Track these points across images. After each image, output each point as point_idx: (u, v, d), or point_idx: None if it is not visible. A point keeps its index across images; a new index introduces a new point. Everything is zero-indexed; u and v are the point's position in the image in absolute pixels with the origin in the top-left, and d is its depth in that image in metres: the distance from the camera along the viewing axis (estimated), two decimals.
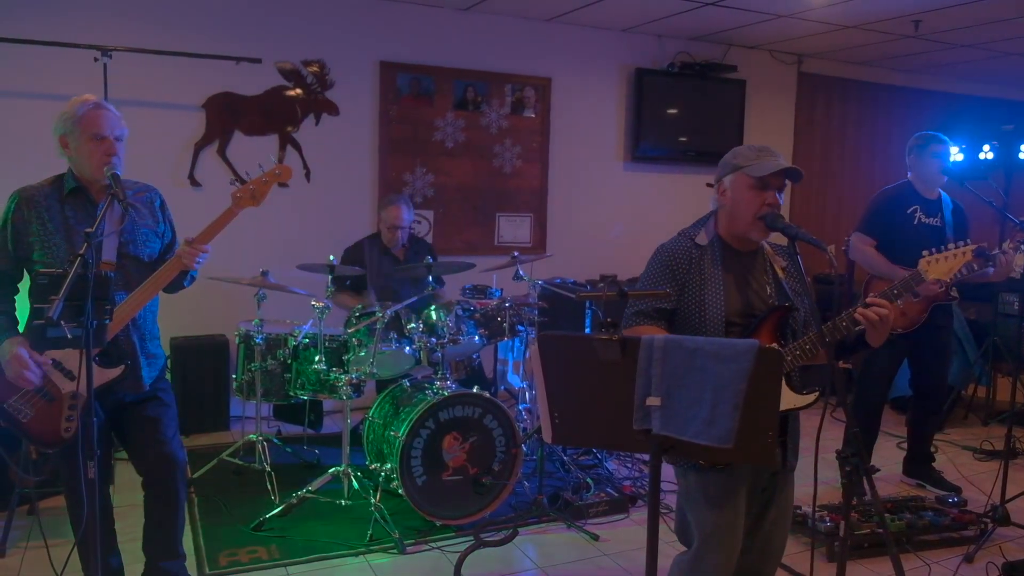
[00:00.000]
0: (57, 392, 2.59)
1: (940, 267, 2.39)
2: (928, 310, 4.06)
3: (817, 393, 2.23)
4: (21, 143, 4.67)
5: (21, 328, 2.62)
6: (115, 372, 2.61)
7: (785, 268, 2.40)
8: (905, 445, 4.61)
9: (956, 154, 5.95)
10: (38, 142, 4.63)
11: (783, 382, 2.14)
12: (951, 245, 2.38)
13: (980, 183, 4.08)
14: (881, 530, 3.50)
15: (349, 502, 3.82)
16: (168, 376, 2.97)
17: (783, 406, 2.08)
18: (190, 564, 3.29)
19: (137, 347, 2.71)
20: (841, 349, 2.35)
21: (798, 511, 3.75)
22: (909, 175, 4.20)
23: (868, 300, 2.21)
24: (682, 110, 6.70)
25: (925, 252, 2.42)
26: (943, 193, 4.18)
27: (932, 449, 4.49)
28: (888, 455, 4.83)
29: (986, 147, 6.89)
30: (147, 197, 2.81)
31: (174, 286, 2.79)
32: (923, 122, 7.53)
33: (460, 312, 4.17)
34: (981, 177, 4.26)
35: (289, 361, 4.15)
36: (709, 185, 2.43)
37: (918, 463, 4.44)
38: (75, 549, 2.62)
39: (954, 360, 5.73)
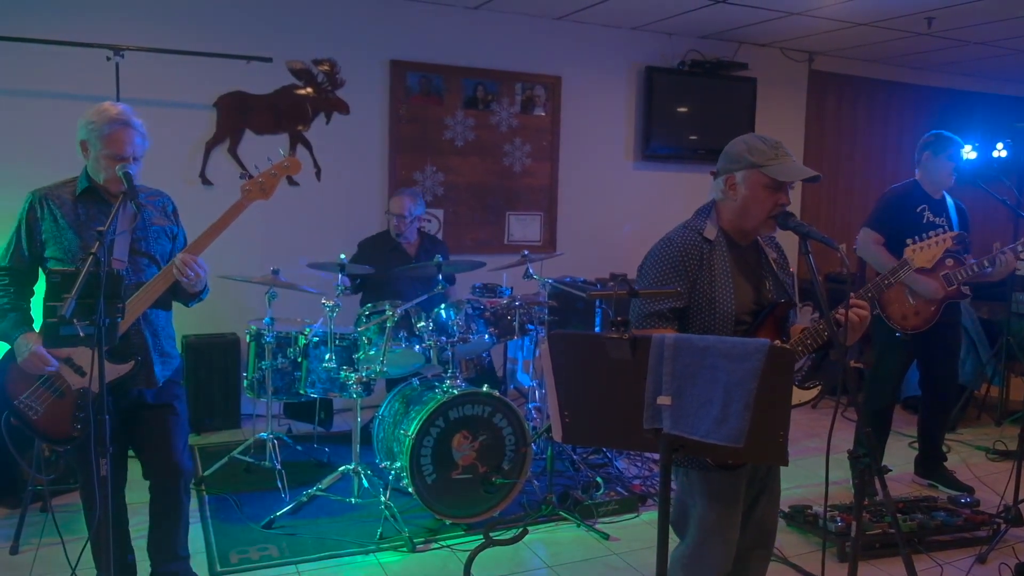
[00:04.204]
0: (67, 388, 2.62)
1: (924, 255, 2.42)
2: (941, 308, 4.04)
3: (819, 388, 2.22)
4: (34, 142, 4.70)
5: (36, 326, 2.64)
6: (125, 368, 2.63)
7: (775, 259, 2.40)
8: (917, 445, 4.59)
9: (969, 152, 5.91)
10: (51, 141, 4.69)
11: None
12: (932, 233, 2.41)
13: (994, 181, 4.06)
14: (893, 530, 3.48)
15: (359, 500, 3.83)
16: (183, 382, 2.99)
17: None
18: (201, 561, 3.33)
19: (149, 343, 2.73)
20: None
21: (809, 511, 3.75)
22: (917, 174, 4.18)
23: (851, 301, 2.19)
24: (692, 108, 6.68)
25: (909, 241, 2.44)
26: (946, 194, 4.17)
27: (944, 449, 4.47)
28: (900, 455, 4.80)
29: (1000, 145, 6.84)
30: (160, 202, 2.84)
31: (184, 297, 2.79)
32: (936, 120, 7.48)
33: (470, 311, 4.17)
34: (995, 175, 4.23)
35: (300, 359, 4.17)
36: (712, 174, 2.38)
37: (930, 463, 4.42)
38: (88, 546, 2.64)
39: (967, 360, 5.70)
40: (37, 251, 2.67)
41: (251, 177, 2.77)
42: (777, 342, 2.21)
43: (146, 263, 2.72)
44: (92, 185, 2.69)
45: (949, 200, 4.16)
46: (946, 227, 4.05)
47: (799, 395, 2.20)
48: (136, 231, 2.70)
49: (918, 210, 4.07)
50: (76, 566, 2.60)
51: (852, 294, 2.24)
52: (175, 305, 2.89)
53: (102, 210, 2.67)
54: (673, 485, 2.27)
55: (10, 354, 2.64)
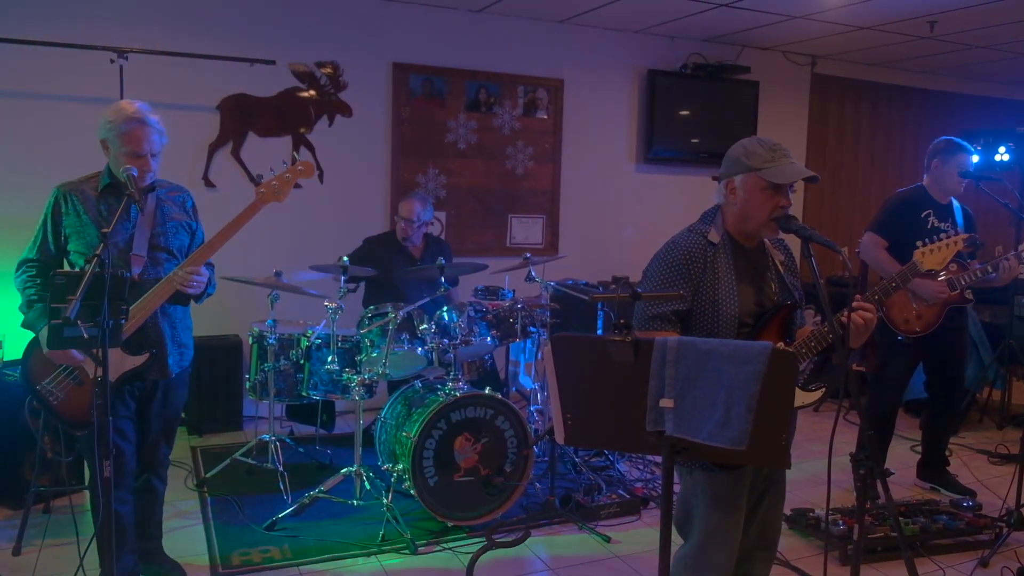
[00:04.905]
0: (86, 376, 2.72)
1: (934, 257, 2.40)
2: (944, 313, 4.04)
3: (823, 390, 2.22)
4: (38, 143, 4.72)
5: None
6: (140, 360, 2.73)
7: (783, 262, 2.40)
8: (919, 448, 4.58)
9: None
10: (55, 142, 4.71)
11: None
12: (943, 235, 2.39)
13: (996, 185, 4.05)
14: (895, 534, 3.48)
15: (361, 502, 3.83)
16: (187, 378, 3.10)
17: None
18: (203, 563, 3.36)
19: (167, 335, 2.83)
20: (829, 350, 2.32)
21: (811, 514, 3.74)
22: (925, 179, 4.16)
23: (854, 304, 2.19)
24: (695, 111, 6.69)
25: (919, 243, 2.43)
26: (954, 199, 4.16)
27: (947, 452, 4.46)
28: (902, 458, 4.80)
29: (1002, 149, 6.85)
30: (180, 197, 2.94)
31: (195, 295, 2.87)
32: (938, 124, 7.49)
33: (472, 313, 4.17)
34: (997, 179, 4.22)
35: (302, 361, 4.17)
36: (714, 179, 2.40)
37: (932, 466, 4.41)
38: (99, 544, 2.66)
39: (969, 363, 5.68)
40: (61, 244, 2.77)
41: (256, 183, 2.84)
42: (780, 344, 2.23)
43: (165, 257, 2.81)
44: (114, 181, 2.76)
45: (956, 205, 4.14)
46: (952, 232, 4.03)
47: (803, 397, 2.20)
48: (155, 226, 2.79)
49: (923, 215, 4.05)
50: (83, 556, 2.60)
51: (858, 296, 2.24)
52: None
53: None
54: (677, 484, 2.27)
55: (34, 342, 2.75)
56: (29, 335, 2.80)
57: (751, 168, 2.24)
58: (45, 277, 2.76)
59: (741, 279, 2.29)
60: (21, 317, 2.74)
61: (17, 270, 2.80)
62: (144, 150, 2.69)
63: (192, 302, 2.92)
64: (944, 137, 4.15)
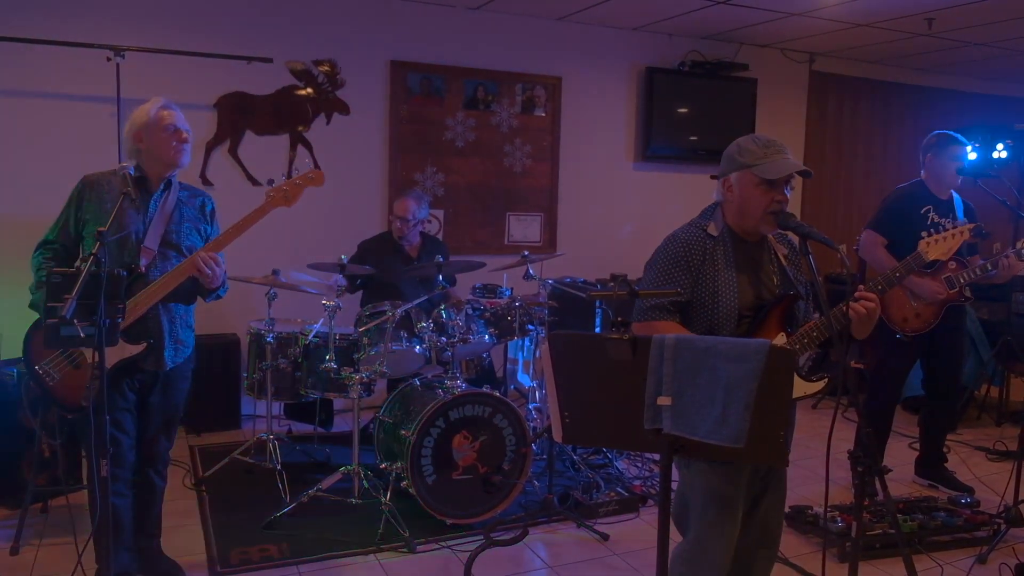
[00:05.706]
0: (83, 360, 2.76)
1: (939, 247, 2.39)
2: (943, 312, 4.04)
3: (826, 380, 2.23)
4: (35, 142, 4.70)
5: None
6: (137, 349, 2.77)
7: (787, 255, 2.42)
8: (917, 445, 4.59)
9: (969, 153, 5.92)
10: (51, 141, 4.70)
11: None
12: (948, 225, 2.39)
13: (993, 181, 4.05)
14: (893, 531, 3.48)
15: (359, 501, 3.83)
16: (190, 374, 3.12)
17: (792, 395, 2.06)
18: (201, 562, 3.36)
19: (165, 329, 2.86)
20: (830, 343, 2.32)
21: (809, 511, 3.75)
22: (923, 174, 4.16)
23: (857, 294, 2.21)
24: (693, 109, 6.69)
25: (924, 234, 2.42)
26: (955, 193, 4.15)
27: (945, 449, 4.47)
28: (900, 455, 4.81)
29: (1000, 146, 6.85)
30: (199, 200, 3.02)
31: (202, 292, 2.93)
32: (936, 121, 7.47)
33: (470, 311, 4.17)
34: (995, 176, 4.22)
35: (300, 360, 4.17)
36: (713, 177, 2.43)
37: (930, 464, 4.42)
38: (96, 542, 2.67)
39: (967, 360, 5.69)
40: (80, 229, 2.83)
41: (254, 182, 2.89)
42: (781, 335, 2.24)
43: (174, 255, 2.86)
44: (139, 174, 2.84)
45: (957, 198, 4.13)
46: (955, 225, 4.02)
47: (805, 387, 2.21)
48: (170, 223, 2.85)
49: (923, 211, 4.04)
50: (81, 555, 2.60)
51: (860, 286, 2.24)
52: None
53: (144, 200, 2.82)
54: (676, 481, 2.28)
55: (38, 323, 2.80)
56: (25, 331, 2.82)
57: (744, 165, 2.27)
58: (60, 261, 2.83)
59: (740, 271, 2.31)
60: (18, 317, 2.76)
61: (36, 250, 2.87)
62: (178, 123, 2.83)
63: (201, 300, 2.95)
64: (936, 132, 4.15)
